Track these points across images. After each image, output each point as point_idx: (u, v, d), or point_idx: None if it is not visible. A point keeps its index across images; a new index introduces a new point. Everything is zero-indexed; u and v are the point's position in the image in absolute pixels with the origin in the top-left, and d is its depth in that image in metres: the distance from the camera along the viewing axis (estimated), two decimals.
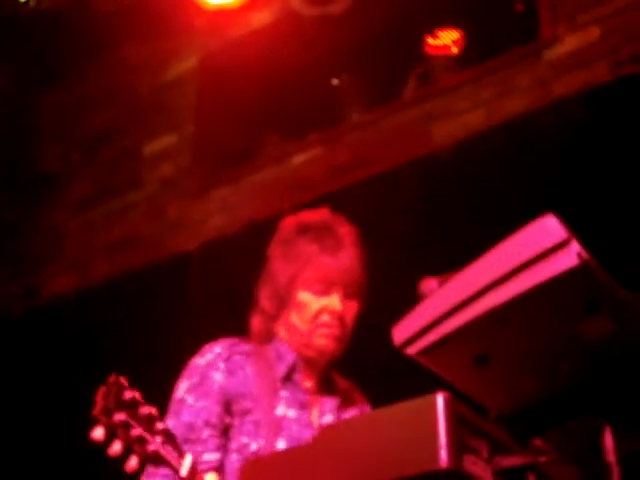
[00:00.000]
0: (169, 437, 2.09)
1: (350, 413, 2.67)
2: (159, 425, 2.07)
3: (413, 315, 1.84)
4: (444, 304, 1.80)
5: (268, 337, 2.65)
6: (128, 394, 2.02)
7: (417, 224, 4.44)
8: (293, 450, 2.10)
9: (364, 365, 4.03)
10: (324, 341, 2.57)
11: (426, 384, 1.81)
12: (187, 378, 2.54)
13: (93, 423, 1.97)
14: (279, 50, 5.40)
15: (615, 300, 1.75)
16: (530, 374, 1.89)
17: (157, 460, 2.06)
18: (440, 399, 1.67)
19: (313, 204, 4.88)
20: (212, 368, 2.52)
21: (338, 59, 5.45)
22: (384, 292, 4.08)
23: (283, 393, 2.55)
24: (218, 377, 2.51)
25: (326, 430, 1.80)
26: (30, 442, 5.35)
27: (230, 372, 2.52)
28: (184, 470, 2.10)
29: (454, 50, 5.11)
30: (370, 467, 1.69)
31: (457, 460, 1.63)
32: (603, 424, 1.88)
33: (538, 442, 1.91)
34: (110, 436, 1.98)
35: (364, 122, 5.13)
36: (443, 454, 1.61)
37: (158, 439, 2.05)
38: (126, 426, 2.00)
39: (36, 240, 6.15)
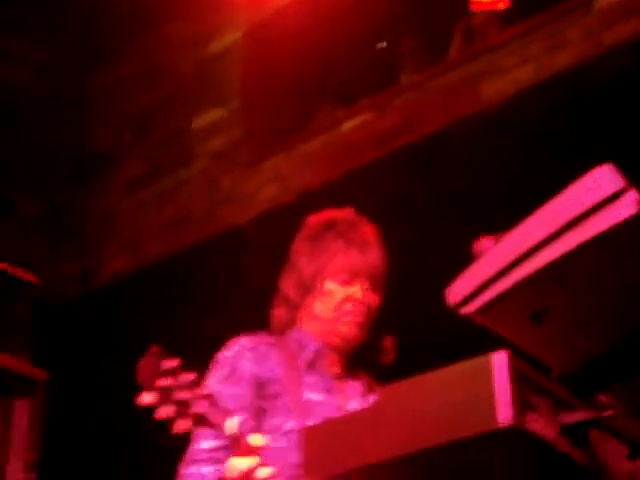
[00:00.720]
0: (212, 400, 2.15)
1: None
2: (202, 390, 2.14)
3: (467, 274, 1.81)
4: (500, 261, 1.76)
5: (289, 327, 2.72)
6: (169, 362, 2.09)
7: (469, 183, 4.40)
8: (353, 414, 2.10)
9: (424, 326, 4.02)
10: (347, 328, 2.64)
11: (483, 345, 1.78)
12: (217, 371, 2.60)
13: (139, 390, 2.01)
14: (323, 17, 5.36)
15: None
16: (591, 329, 1.85)
17: (204, 422, 2.14)
18: (501, 356, 1.64)
19: (364, 169, 4.90)
20: (241, 358, 2.60)
21: (383, 22, 5.40)
22: (437, 254, 4.06)
23: (308, 379, 2.62)
24: (247, 365, 2.58)
25: (386, 392, 1.78)
26: (89, 425, 5.40)
27: (257, 361, 2.60)
28: (230, 430, 2.16)
29: (501, 6, 5.03)
30: (432, 428, 1.66)
31: (520, 417, 1.60)
32: None
33: (602, 397, 1.88)
34: (158, 401, 2.03)
35: (413, 84, 5.07)
36: (506, 411, 1.58)
37: (203, 402, 2.12)
38: (171, 391, 2.07)
39: (89, 222, 6.19)
